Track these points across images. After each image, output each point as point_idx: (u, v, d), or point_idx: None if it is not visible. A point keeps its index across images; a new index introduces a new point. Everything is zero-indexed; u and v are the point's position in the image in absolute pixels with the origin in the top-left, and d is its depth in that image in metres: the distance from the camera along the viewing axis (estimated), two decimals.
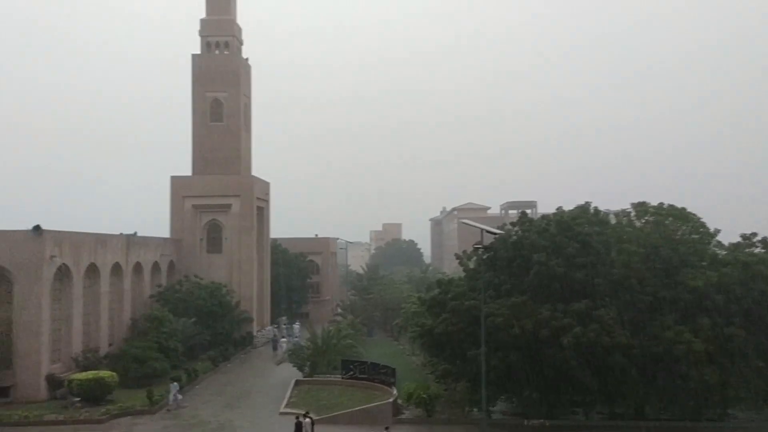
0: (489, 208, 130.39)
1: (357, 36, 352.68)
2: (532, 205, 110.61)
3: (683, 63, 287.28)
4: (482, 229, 28.55)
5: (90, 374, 37.19)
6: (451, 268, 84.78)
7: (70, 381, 36.78)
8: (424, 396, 34.32)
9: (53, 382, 38.17)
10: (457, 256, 39.73)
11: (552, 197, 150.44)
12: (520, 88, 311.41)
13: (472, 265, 37.75)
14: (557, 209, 38.02)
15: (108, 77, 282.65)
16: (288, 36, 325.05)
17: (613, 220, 38.48)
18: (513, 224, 37.76)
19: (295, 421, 30.12)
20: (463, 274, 38.76)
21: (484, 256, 34.63)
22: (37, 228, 38.22)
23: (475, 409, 33.89)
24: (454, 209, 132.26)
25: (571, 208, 37.93)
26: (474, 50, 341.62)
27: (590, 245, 33.59)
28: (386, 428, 28.72)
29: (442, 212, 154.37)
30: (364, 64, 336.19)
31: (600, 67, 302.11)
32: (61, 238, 40.38)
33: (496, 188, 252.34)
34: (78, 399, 36.06)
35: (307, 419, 30.10)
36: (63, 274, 40.78)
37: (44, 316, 38.21)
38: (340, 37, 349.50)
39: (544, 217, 38.37)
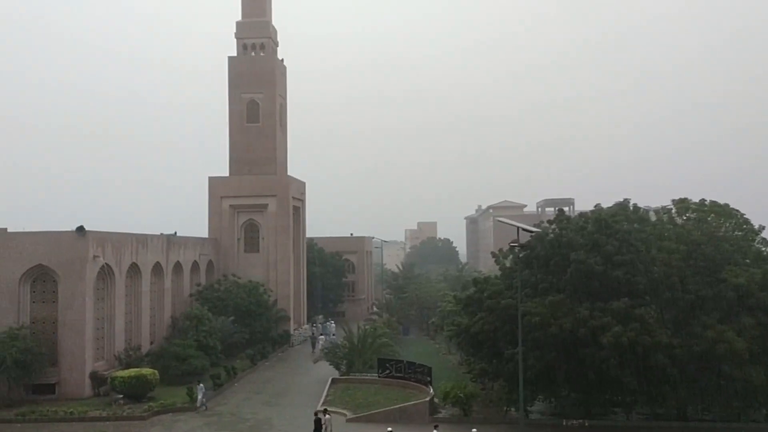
0: (525, 206, 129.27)
1: (389, 37, 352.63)
2: (569, 202, 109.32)
3: (723, 52, 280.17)
4: (518, 227, 28.24)
5: (132, 372, 38.01)
6: (487, 267, 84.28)
7: (113, 378, 37.65)
8: (461, 395, 34.19)
9: (97, 379, 39.11)
10: (493, 255, 39.48)
11: (590, 194, 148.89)
12: (556, 83, 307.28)
13: (508, 263, 37.48)
14: (595, 206, 37.50)
15: (147, 80, 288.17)
16: (321, 37, 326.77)
17: (653, 218, 37.80)
18: (550, 222, 37.37)
19: (314, 418, 30.32)
20: (499, 273, 38.52)
21: (521, 255, 34.34)
22: (80, 229, 39.22)
23: (512, 409, 33.65)
24: (489, 207, 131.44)
25: (609, 205, 37.38)
26: (505, 47, 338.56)
27: (630, 243, 33.03)
28: (435, 427, 28.64)
29: (477, 210, 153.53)
30: (398, 65, 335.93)
31: (637, 59, 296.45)
32: (104, 238, 41.36)
33: (532, 186, 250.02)
34: (121, 396, 36.89)
35: (327, 416, 30.28)
36: (106, 273, 41.77)
37: (88, 315, 39.18)
38: (372, 38, 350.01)
39: (581, 214, 37.88)
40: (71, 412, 34.70)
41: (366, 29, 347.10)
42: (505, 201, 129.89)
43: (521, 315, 29.33)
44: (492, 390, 36.23)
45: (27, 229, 40.72)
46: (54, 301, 39.38)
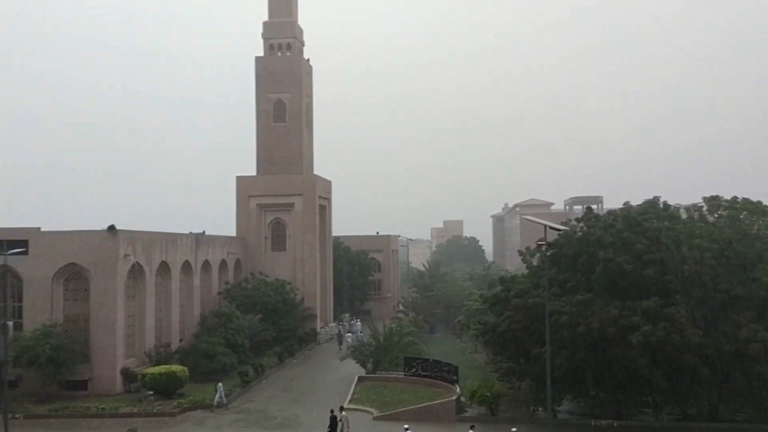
0: (552, 204, 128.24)
1: (415, 38, 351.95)
2: (597, 200, 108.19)
3: (757, 39, 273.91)
4: (546, 226, 27.98)
5: (162, 368, 38.55)
6: (514, 265, 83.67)
7: (144, 375, 38.24)
8: (488, 394, 34.04)
9: (128, 375, 39.76)
10: (520, 253, 39.22)
11: (619, 192, 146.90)
12: (584, 79, 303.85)
13: (535, 262, 37.20)
14: (624, 204, 37.03)
15: (177, 80, 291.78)
16: (349, 38, 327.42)
17: (683, 215, 37.16)
18: (578, 220, 37.00)
19: (330, 415, 30.44)
20: (526, 272, 38.25)
21: (548, 253, 34.03)
22: (111, 228, 39.88)
23: (540, 409, 33.42)
24: (516, 205, 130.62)
25: (639, 203, 36.88)
26: (531, 45, 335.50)
27: (660, 241, 32.56)
28: (472, 427, 28.52)
29: (503, 209, 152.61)
30: (422, 64, 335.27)
31: (665, 51, 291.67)
32: (134, 237, 42.01)
33: (559, 184, 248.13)
34: (151, 392, 37.45)
35: (344, 413, 30.38)
36: (136, 271, 42.43)
37: (119, 312, 39.84)
38: (398, 39, 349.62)
39: (610, 212, 37.46)
40: (103, 408, 35.34)
41: (393, 31, 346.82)
42: (532, 199, 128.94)
43: (549, 314, 29.07)
44: (519, 389, 36.01)
45: (59, 229, 41.53)
46: (86, 299, 40.12)
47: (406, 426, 28.59)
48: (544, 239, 29.34)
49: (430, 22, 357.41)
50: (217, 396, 36.32)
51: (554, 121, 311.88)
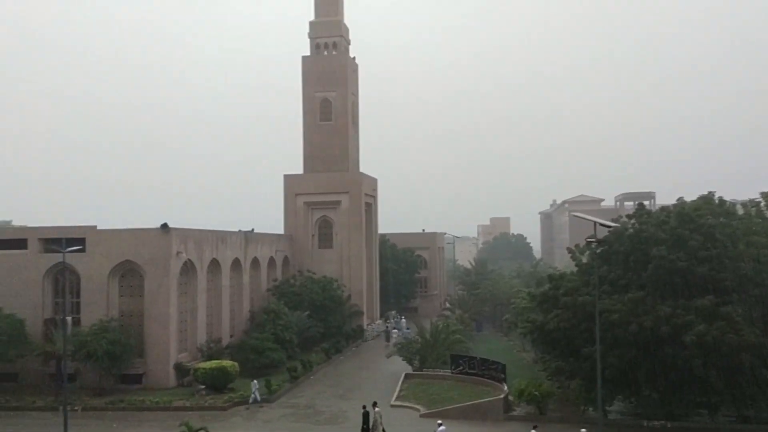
0: (602, 200, 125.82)
1: (460, 32, 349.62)
2: (649, 196, 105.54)
3: None
4: (595, 222, 27.48)
5: (213, 363, 39.37)
6: (563, 263, 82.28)
7: (196, 369, 39.11)
8: (536, 393, 33.65)
9: (181, 370, 40.75)
10: (569, 250, 38.59)
11: (672, 188, 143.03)
12: (631, 74, 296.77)
13: (585, 259, 36.54)
14: (678, 200, 36.00)
15: (226, 80, 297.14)
16: (394, 33, 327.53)
17: (740, 211, 35.90)
18: (629, 216, 36.16)
19: (362, 411, 30.54)
20: (575, 269, 37.61)
21: (598, 250, 33.39)
22: (164, 226, 40.91)
23: (590, 408, 32.86)
24: (565, 202, 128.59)
25: (693, 198, 35.81)
26: (576, 40, 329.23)
27: (715, 238, 31.56)
28: (534, 427, 28.25)
29: (552, 205, 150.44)
30: (470, 62, 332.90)
31: (723, 41, 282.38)
32: (186, 235, 42.99)
33: (610, 179, 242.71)
34: (203, 386, 38.28)
35: (377, 409, 30.41)
36: (188, 268, 43.43)
37: (172, 308, 40.85)
38: (445, 35, 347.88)
39: (663, 208, 36.43)
40: (157, 402, 36.31)
41: (438, 26, 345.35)
42: (582, 195, 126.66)
43: (599, 312, 28.54)
44: (569, 388, 35.45)
45: (115, 227, 42.84)
46: (140, 295, 41.26)
47: (439, 422, 28.48)
48: (594, 236, 28.81)
49: (475, 16, 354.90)
50: (253, 393, 36.60)
51: (603, 115, 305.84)
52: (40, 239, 41.88)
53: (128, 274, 41.69)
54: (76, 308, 41.21)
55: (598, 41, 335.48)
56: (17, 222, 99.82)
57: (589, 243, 32.56)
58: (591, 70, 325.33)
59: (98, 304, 40.71)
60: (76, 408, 34.97)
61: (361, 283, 62.90)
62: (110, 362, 37.91)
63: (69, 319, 34.79)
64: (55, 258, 38.84)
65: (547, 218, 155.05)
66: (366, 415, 30.14)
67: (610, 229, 32.40)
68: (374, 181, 69.85)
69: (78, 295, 41.37)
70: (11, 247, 42.40)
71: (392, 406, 35.77)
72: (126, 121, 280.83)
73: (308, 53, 65.86)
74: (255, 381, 37.39)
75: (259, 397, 36.60)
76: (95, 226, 41.84)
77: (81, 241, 39.25)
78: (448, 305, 79.45)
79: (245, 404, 36.34)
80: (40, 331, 40.57)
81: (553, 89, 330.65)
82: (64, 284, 40.03)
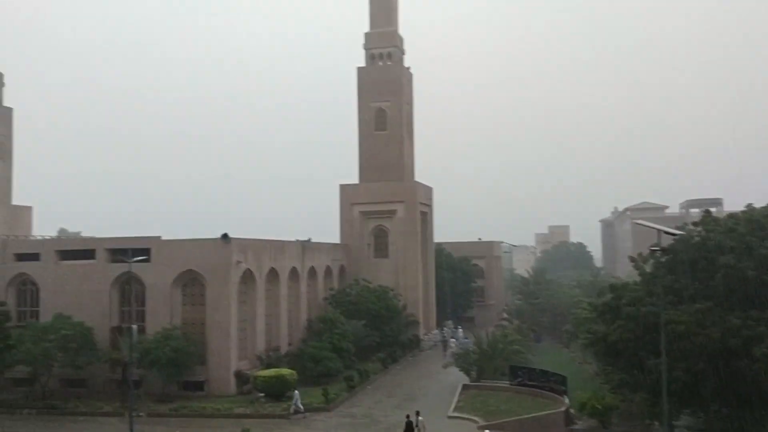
0: (667, 207, 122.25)
1: (518, 39, 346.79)
2: (717, 203, 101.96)
3: None
4: (659, 230, 26.64)
5: (272, 371, 39.90)
6: (625, 272, 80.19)
7: (256, 377, 39.72)
8: (599, 407, 32.81)
9: (241, 378, 41.45)
10: (632, 259, 37.49)
11: (740, 194, 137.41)
12: (696, 77, 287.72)
13: (648, 268, 35.43)
14: (747, 207, 34.56)
15: (284, 90, 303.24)
16: (448, 42, 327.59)
17: None
18: (695, 224, 34.89)
19: (405, 420, 30.39)
20: (638, 279, 36.53)
21: (663, 259, 32.33)
22: (225, 236, 41.85)
23: (655, 423, 31.78)
24: (627, 209, 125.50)
25: (762, 205, 34.30)
26: (637, 43, 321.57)
27: None
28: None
29: (613, 213, 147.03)
30: (528, 67, 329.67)
31: None
32: (246, 245, 43.84)
33: (674, 186, 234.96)
34: (262, 394, 38.84)
35: (420, 418, 30.29)
36: (247, 277, 44.25)
37: (232, 316, 41.66)
38: (502, 41, 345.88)
39: (731, 215, 35.00)
40: (218, 409, 37.03)
41: (492, 35, 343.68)
42: (644, 202, 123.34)
43: (664, 323, 27.60)
44: (633, 402, 34.37)
45: (176, 237, 44.04)
46: (202, 304, 42.25)
47: (481, 423, 27.96)
48: (658, 244, 27.93)
49: (530, 20, 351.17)
50: (294, 403, 36.48)
51: (666, 119, 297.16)
52: (107, 249, 43.46)
53: (190, 283, 42.76)
54: (141, 316, 42.47)
55: (660, 43, 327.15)
56: (86, 233, 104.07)
57: (653, 251, 31.55)
58: (653, 69, 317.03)
59: (162, 313, 41.87)
60: (141, 414, 35.97)
61: (416, 292, 62.74)
62: (173, 369, 38.87)
63: (135, 327, 35.89)
64: (122, 268, 40.21)
65: (608, 226, 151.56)
66: (410, 425, 30.11)
67: (675, 237, 31.37)
68: (429, 189, 69.73)
69: (143, 304, 42.66)
70: (80, 258, 44.17)
71: (449, 417, 35.44)
72: (185, 131, 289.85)
73: (363, 64, 66.45)
74: (296, 391, 37.31)
75: (301, 407, 36.66)
76: (159, 237, 43.06)
77: (146, 252, 40.52)
78: (505, 315, 78.43)
79: (301, 413, 36.39)
80: (107, 339, 42.00)
81: (614, 91, 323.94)
82: (130, 293, 41.39)
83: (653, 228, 27.09)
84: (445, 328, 66.74)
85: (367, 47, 66.63)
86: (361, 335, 51.46)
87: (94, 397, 40.08)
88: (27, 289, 44.80)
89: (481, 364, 43.38)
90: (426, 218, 68.03)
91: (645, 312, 31.27)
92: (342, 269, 61.59)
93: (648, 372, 30.32)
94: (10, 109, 74.62)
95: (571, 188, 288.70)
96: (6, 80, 75.81)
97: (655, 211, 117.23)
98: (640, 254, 36.83)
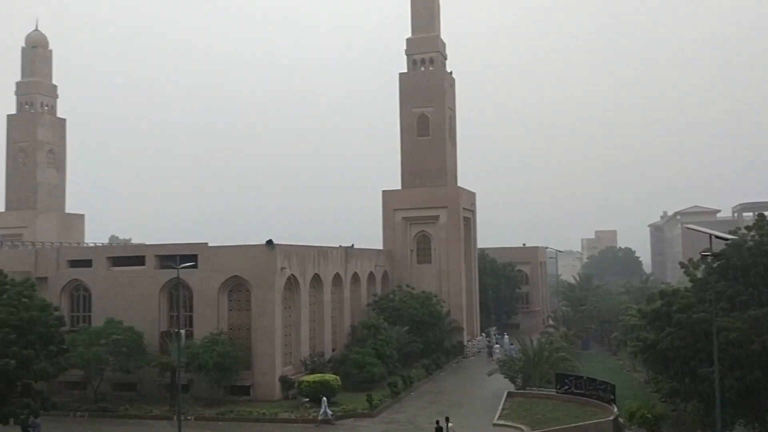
0: (719, 210, 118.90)
1: (560, 43, 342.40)
2: None
3: None
4: (711, 235, 25.90)
5: (317, 377, 40.15)
6: (675, 278, 78.29)
7: (300, 383, 40.02)
8: (649, 416, 31.94)
9: (285, 383, 41.83)
10: (682, 265, 36.53)
11: None
12: (744, 77, 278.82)
13: (699, 274, 34.46)
14: None
15: (326, 95, 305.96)
16: (492, 44, 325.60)
17: None
18: (748, 228, 33.80)
19: (435, 426, 30.22)
20: (689, 285, 35.55)
21: (715, 265, 31.39)
22: (270, 242, 42.38)
23: None
24: (677, 213, 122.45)
25: None
26: (682, 43, 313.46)
27: None
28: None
29: (662, 217, 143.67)
30: (571, 70, 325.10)
31: None
32: (290, 251, 44.31)
33: (726, 189, 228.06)
34: (307, 399, 39.10)
35: (450, 424, 30.08)
36: (291, 283, 44.70)
37: (277, 322, 42.11)
38: (544, 45, 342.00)
39: None
40: (264, 413, 37.43)
41: (538, 34, 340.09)
42: (695, 206, 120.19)
43: (716, 331, 26.79)
44: (684, 411, 33.41)
45: (222, 243, 44.80)
46: (248, 309, 42.83)
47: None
48: (710, 249, 27.16)
49: (571, 24, 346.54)
50: (322, 410, 36.29)
51: (717, 119, 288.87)
52: (156, 256, 44.48)
53: (236, 288, 43.41)
54: (189, 321, 43.32)
55: (711, 46, 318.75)
56: (136, 239, 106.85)
57: (704, 257, 30.70)
58: (698, 69, 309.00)
59: (209, 318, 42.60)
60: (189, 417, 36.63)
61: (460, 298, 62.34)
62: (220, 374, 39.46)
63: (183, 332, 36.61)
64: (170, 273, 41.09)
65: (657, 231, 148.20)
66: (439, 430, 29.84)
67: (728, 241, 30.44)
68: (472, 195, 69.29)
69: (191, 309, 43.50)
70: (131, 264, 45.33)
71: (495, 425, 35.05)
72: (228, 138, 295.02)
73: (405, 69, 66.52)
74: (324, 398, 37.00)
75: (329, 413, 36.54)
76: (206, 243, 43.85)
77: (193, 258, 41.28)
78: (551, 322, 77.14)
79: (328, 419, 36.25)
80: (156, 343, 42.94)
81: (660, 93, 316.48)
82: (178, 298, 42.26)
83: (705, 232, 26.36)
84: (489, 335, 66.13)
85: (408, 53, 66.67)
86: (405, 341, 51.36)
87: (144, 400, 40.98)
88: (80, 295, 46.20)
89: (526, 372, 42.78)
90: (469, 224, 67.60)
91: (696, 319, 30.41)
92: (385, 275, 61.66)
93: (700, 380, 29.45)
94: (63, 120, 77.50)
95: (619, 192, 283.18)
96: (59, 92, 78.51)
97: (706, 215, 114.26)
98: (691, 260, 35.87)
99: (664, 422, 32.38)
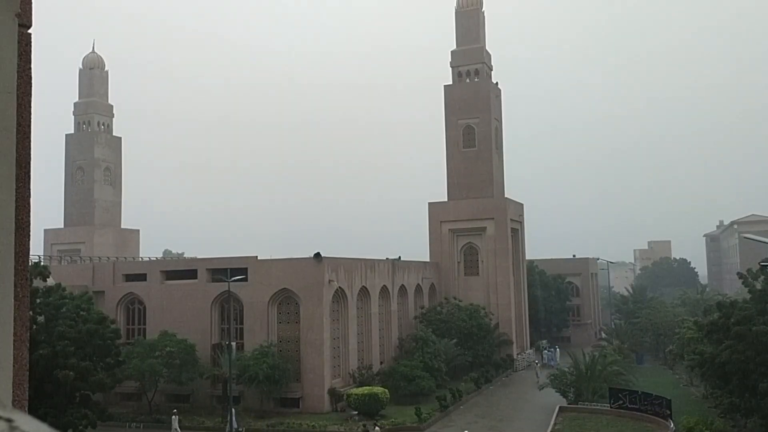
0: None
1: (613, 54, 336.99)
2: None
3: None
4: None
5: (365, 389, 40.19)
6: (733, 289, 75.69)
7: (349, 395, 40.12)
8: None
9: (334, 395, 41.99)
10: (741, 276, 35.35)
11: None
12: None
13: (759, 285, 33.28)
14: None
15: (372, 108, 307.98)
16: (538, 57, 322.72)
17: None
18: None
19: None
20: (747, 296, 34.36)
21: None
22: (317, 255, 42.80)
23: None
24: (733, 223, 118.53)
25: None
26: (734, 47, 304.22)
27: None
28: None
29: (719, 227, 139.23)
30: (622, 80, 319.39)
31: None
32: (337, 264, 44.63)
33: None
34: (356, 412, 39.15)
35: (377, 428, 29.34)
36: (339, 296, 44.98)
37: (326, 334, 42.38)
38: (596, 56, 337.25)
39: None
40: (313, 425, 37.59)
41: (588, 49, 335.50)
42: (753, 215, 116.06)
43: None
44: (744, 427, 32.21)
45: (271, 257, 45.48)
46: (297, 322, 43.26)
47: None
48: None
49: (621, 33, 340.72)
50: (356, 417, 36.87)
51: None
52: (208, 269, 45.41)
53: (285, 301, 43.92)
54: (240, 334, 43.99)
55: (747, 42, 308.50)
56: (189, 254, 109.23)
57: (763, 267, 29.70)
58: (752, 71, 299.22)
59: (259, 330, 43.18)
60: (240, 429, 37.08)
61: (508, 311, 61.56)
62: (270, 386, 39.85)
63: (234, 344, 37.20)
64: (221, 287, 41.88)
65: (713, 241, 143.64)
66: None
67: None
68: (520, 206, 68.53)
69: (241, 322, 44.19)
70: (184, 277, 46.40)
71: None
72: (269, 151, 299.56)
73: (450, 81, 66.54)
74: (356, 411, 37.33)
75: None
76: (256, 257, 44.57)
77: (243, 271, 42.00)
78: (603, 335, 75.46)
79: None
80: (208, 356, 43.73)
81: (717, 100, 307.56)
82: (230, 311, 43.00)
83: (763, 242, 25.49)
84: (539, 348, 65.06)
85: (453, 65, 66.69)
86: (453, 354, 50.97)
87: (197, 412, 41.70)
88: (135, 308, 47.49)
89: (578, 386, 41.91)
90: (517, 235, 66.84)
91: (756, 331, 29.36)
92: (432, 287, 61.42)
93: (761, 395, 28.39)
94: (119, 139, 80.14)
95: (672, 202, 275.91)
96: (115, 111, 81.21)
97: (764, 224, 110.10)
98: (749, 270, 34.73)
99: None
